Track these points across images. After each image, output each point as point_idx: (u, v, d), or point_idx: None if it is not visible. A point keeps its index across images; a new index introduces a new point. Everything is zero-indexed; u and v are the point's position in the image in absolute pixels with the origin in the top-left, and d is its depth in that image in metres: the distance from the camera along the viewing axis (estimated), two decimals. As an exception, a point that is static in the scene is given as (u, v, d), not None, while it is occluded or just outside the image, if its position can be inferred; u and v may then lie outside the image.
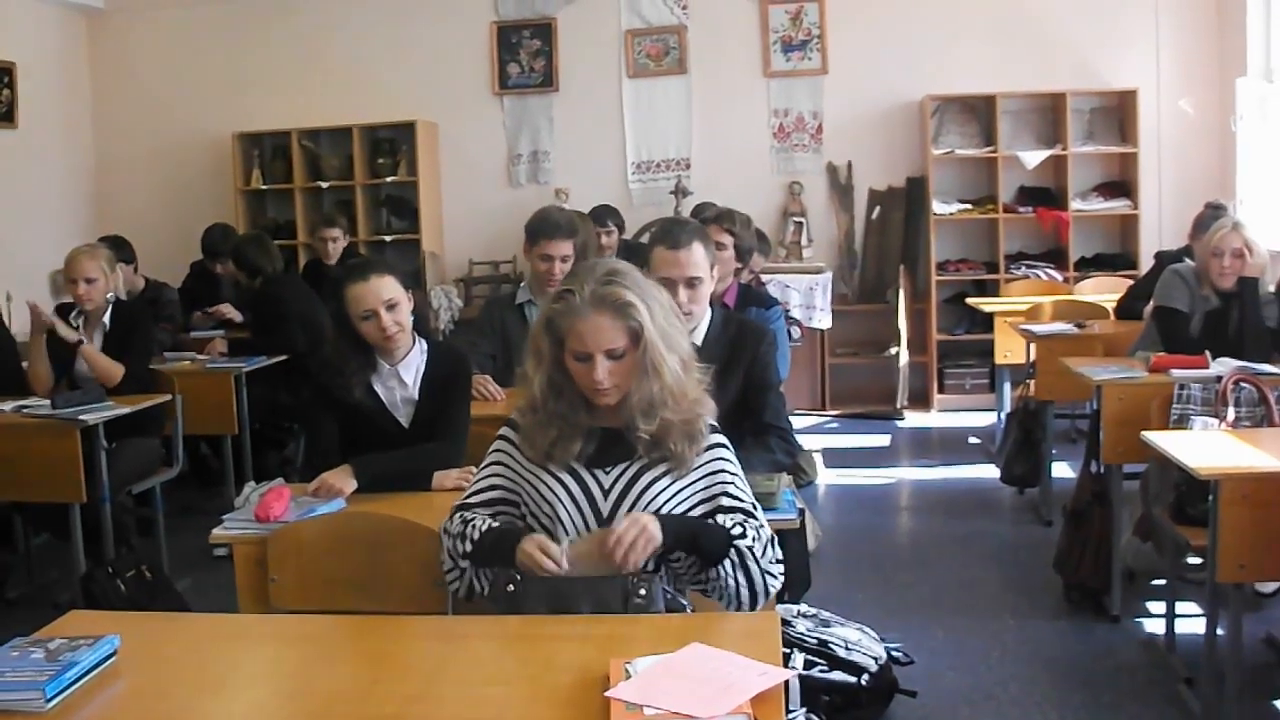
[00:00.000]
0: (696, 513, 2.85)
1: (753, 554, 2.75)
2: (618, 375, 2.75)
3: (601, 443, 2.86)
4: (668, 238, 4.02)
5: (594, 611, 2.62)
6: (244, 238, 8.16)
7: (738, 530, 2.77)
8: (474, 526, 2.82)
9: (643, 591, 2.64)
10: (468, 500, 2.93)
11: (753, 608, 2.79)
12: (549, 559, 2.63)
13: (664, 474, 2.84)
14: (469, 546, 2.79)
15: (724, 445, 2.92)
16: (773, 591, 2.81)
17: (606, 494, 2.85)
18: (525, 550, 2.67)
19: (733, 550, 2.73)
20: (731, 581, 2.74)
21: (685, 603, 2.79)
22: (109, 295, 6.01)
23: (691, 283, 3.96)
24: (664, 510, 2.82)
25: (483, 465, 2.98)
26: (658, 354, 2.72)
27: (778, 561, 2.83)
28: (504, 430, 2.97)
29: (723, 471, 2.88)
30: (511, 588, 2.65)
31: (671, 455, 2.83)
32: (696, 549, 2.74)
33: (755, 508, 2.87)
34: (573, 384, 2.81)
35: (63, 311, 6.02)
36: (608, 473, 2.86)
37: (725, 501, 2.85)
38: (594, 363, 2.73)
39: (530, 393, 2.83)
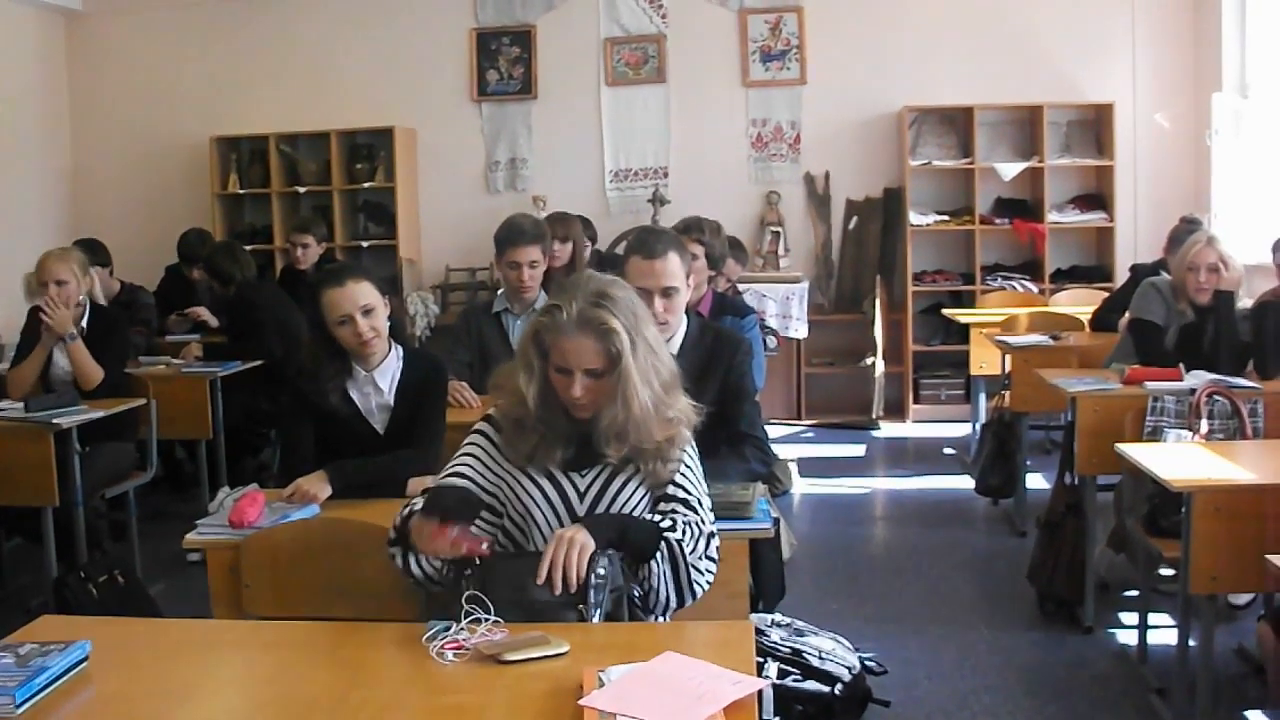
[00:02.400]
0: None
1: (680, 548, 2.75)
2: (594, 393, 2.79)
3: (580, 446, 2.88)
4: (643, 247, 4.02)
5: (555, 592, 2.60)
6: (215, 246, 8.13)
7: (667, 523, 2.79)
8: (409, 508, 2.81)
9: (601, 570, 2.63)
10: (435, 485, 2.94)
11: (680, 605, 2.80)
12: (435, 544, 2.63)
13: (634, 476, 2.89)
14: (392, 532, 2.80)
15: (687, 441, 2.95)
16: (700, 592, 2.81)
17: (582, 497, 2.90)
18: (414, 526, 2.69)
19: (662, 543, 2.75)
20: (658, 579, 2.74)
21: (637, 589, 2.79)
22: (81, 298, 5.97)
23: (667, 292, 3.96)
24: (635, 513, 2.87)
25: (458, 454, 2.99)
26: (630, 386, 2.74)
27: (711, 559, 2.84)
28: (482, 425, 2.99)
29: (681, 454, 2.91)
30: (470, 571, 2.64)
31: (642, 471, 2.88)
32: (625, 544, 2.73)
33: (700, 501, 2.90)
34: (556, 393, 2.84)
35: (33, 314, 5.99)
36: (583, 475, 2.90)
37: (669, 490, 2.88)
38: (573, 379, 2.77)
39: (523, 404, 2.84)
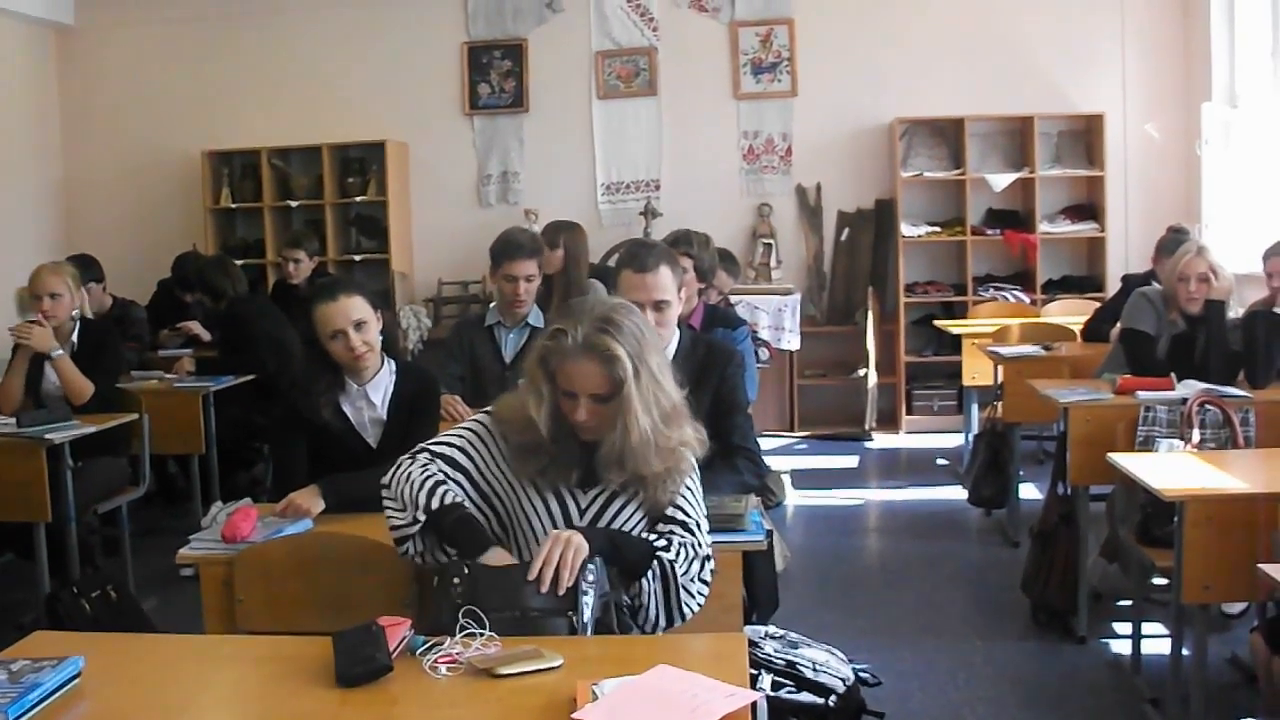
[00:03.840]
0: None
1: (673, 568, 2.75)
2: (600, 416, 2.78)
3: (587, 466, 2.89)
4: (634, 261, 4.02)
5: (544, 601, 2.60)
6: (206, 261, 8.13)
7: (661, 543, 2.79)
8: (446, 492, 2.83)
9: (590, 577, 2.63)
10: (434, 447, 2.94)
11: (669, 626, 2.80)
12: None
13: (634, 499, 2.90)
14: (431, 506, 2.81)
15: (689, 471, 2.94)
16: (689, 614, 2.81)
17: (583, 514, 2.90)
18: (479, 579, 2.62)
19: (654, 562, 2.75)
20: (648, 597, 2.75)
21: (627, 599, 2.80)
22: (74, 312, 5.97)
23: (659, 305, 3.95)
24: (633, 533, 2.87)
25: (455, 433, 2.99)
26: (631, 414, 2.74)
27: (705, 582, 2.84)
28: (482, 423, 2.98)
29: (684, 480, 2.91)
30: (458, 581, 2.63)
31: (642, 497, 2.89)
32: (617, 558, 2.74)
33: (698, 524, 2.89)
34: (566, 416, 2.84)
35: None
36: (586, 493, 2.91)
37: (668, 512, 2.88)
38: (579, 402, 2.77)
39: (534, 429, 2.82)
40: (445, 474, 2.90)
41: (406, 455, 2.95)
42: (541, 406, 2.81)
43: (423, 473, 2.87)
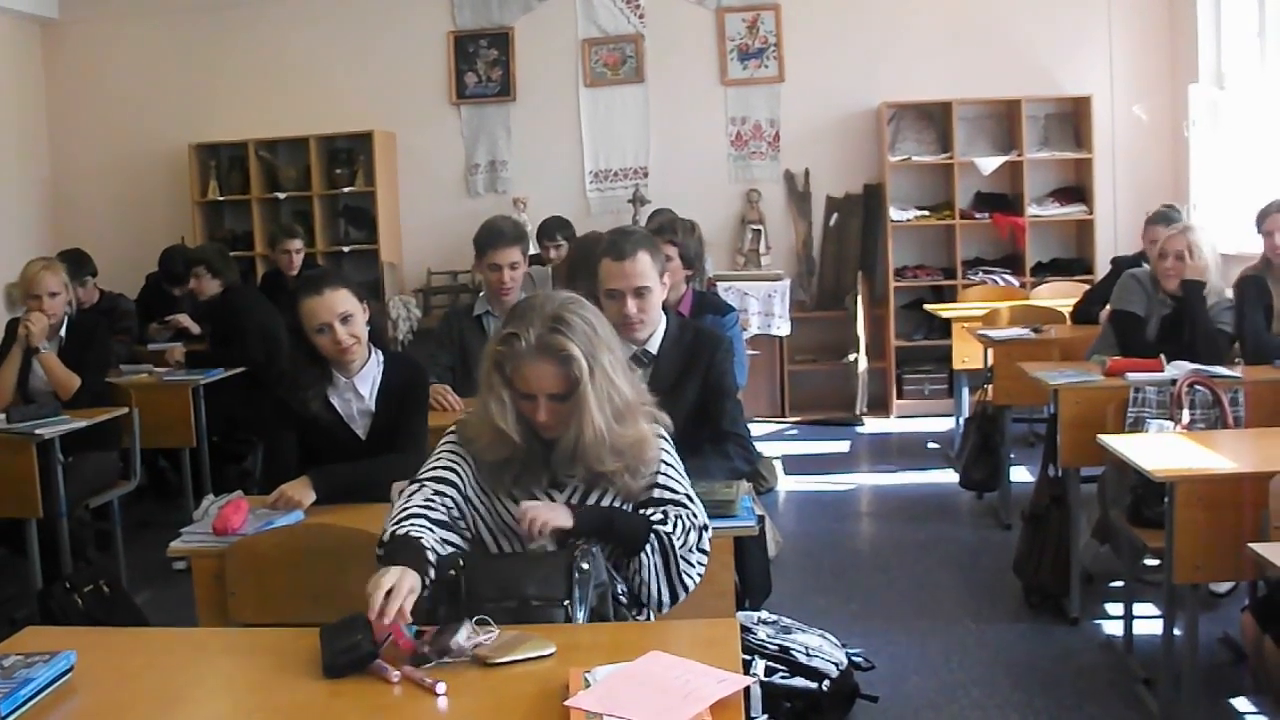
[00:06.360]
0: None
1: (670, 540, 2.77)
2: (560, 414, 2.79)
3: (551, 464, 2.89)
4: (612, 249, 4.01)
5: (539, 590, 2.61)
6: (209, 245, 8.10)
7: (658, 516, 2.81)
8: (405, 524, 2.76)
9: (585, 565, 2.64)
10: (421, 475, 2.93)
11: (673, 602, 2.81)
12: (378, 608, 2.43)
13: (609, 491, 2.90)
14: (380, 545, 2.74)
15: (663, 438, 2.95)
16: (691, 585, 2.83)
17: None
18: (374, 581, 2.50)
19: (652, 536, 2.76)
20: (648, 572, 2.76)
21: (621, 585, 2.80)
22: (66, 308, 5.97)
23: (639, 292, 3.94)
24: None
25: (436, 455, 2.98)
26: (586, 413, 2.75)
27: (704, 551, 2.85)
28: (456, 441, 2.97)
29: (657, 461, 2.91)
30: (454, 573, 2.64)
31: (615, 487, 2.88)
32: (613, 534, 2.76)
33: (689, 497, 2.90)
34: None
35: (13, 326, 5.96)
36: (561, 492, 2.90)
37: (655, 493, 2.88)
38: (538, 403, 2.78)
39: (505, 440, 2.83)
40: (438, 492, 2.87)
41: (408, 487, 2.91)
42: (506, 414, 2.80)
43: (397, 511, 2.81)
